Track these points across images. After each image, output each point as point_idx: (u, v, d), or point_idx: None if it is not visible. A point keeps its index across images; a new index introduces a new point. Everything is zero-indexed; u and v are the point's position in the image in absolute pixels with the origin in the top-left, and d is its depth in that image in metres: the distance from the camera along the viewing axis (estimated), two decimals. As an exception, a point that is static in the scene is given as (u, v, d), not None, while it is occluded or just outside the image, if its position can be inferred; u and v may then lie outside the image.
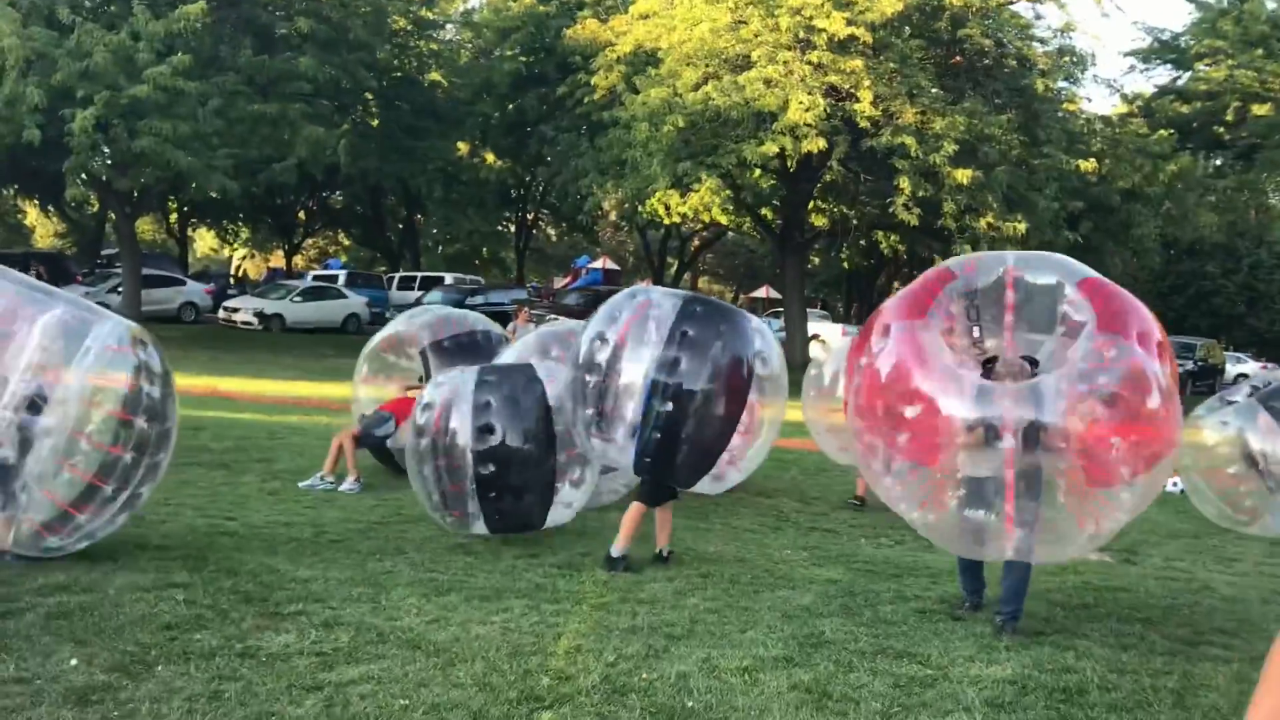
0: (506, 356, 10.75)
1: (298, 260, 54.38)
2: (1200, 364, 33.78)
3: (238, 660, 4.94)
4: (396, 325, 11.53)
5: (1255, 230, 43.26)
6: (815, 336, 32.71)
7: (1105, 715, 4.96)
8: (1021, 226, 25.78)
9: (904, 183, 24.93)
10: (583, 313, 29.07)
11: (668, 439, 6.86)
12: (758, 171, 28.54)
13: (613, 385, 6.92)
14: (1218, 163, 38.30)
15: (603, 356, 6.96)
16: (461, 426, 7.38)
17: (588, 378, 7.00)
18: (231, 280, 48.85)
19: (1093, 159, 28.20)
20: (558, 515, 7.84)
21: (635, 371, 6.88)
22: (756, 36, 25.69)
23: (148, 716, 4.28)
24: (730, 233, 42.19)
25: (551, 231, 56.54)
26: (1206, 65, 35.66)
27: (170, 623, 5.41)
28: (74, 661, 4.78)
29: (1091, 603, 7.16)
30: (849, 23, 24.66)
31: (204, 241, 64.23)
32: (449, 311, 12.47)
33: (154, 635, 5.20)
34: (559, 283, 51.14)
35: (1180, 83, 37.56)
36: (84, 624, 5.28)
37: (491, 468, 7.32)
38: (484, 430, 7.35)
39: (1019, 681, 5.36)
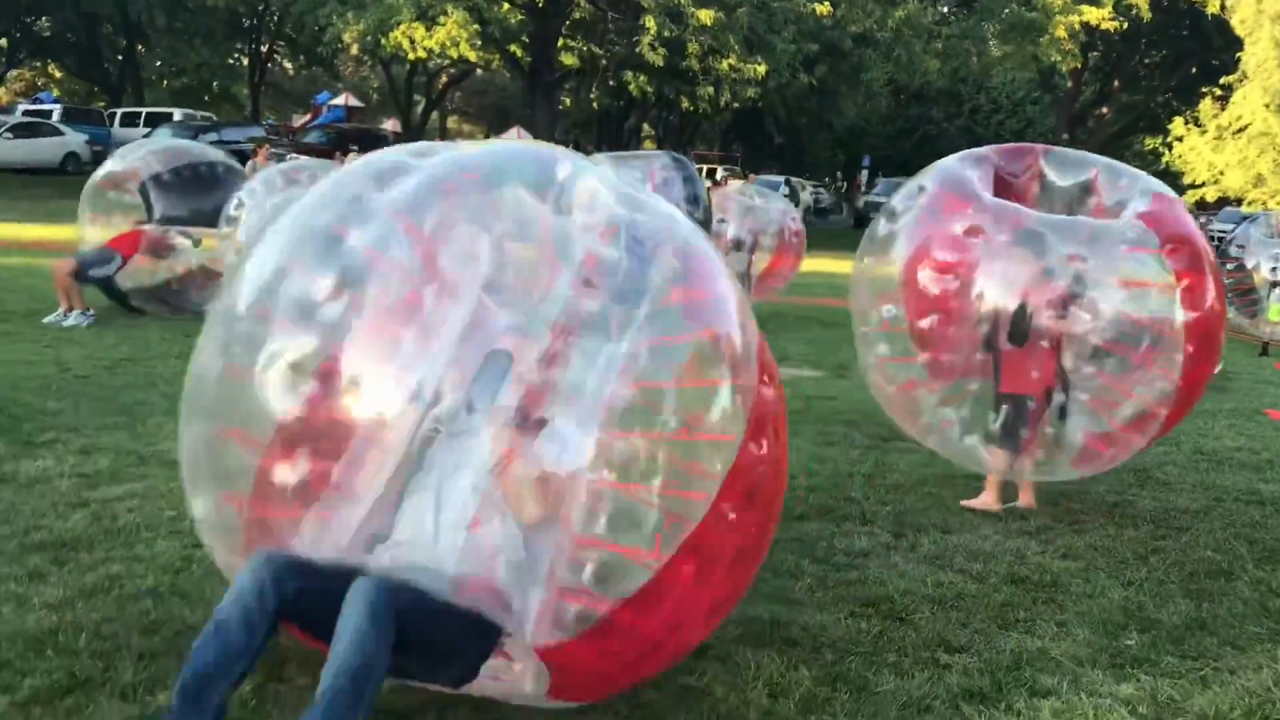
0: (246, 193, 10.60)
1: (1, 94, 49.59)
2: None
3: (-7, 483, 5.03)
4: (114, 162, 11.10)
5: (976, 76, 46.08)
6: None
7: (807, 495, 5.76)
8: (762, 69, 26.68)
9: (650, 22, 25.25)
10: (325, 151, 28.16)
11: None
12: (506, 5, 28.12)
13: None
14: (944, 9, 40.37)
15: None
16: None
17: None
18: (-75, 114, 44.19)
19: (827, 3, 29.26)
20: None
21: None
22: None
23: (-90, 536, 4.37)
24: (479, 70, 41.44)
25: (289, 65, 53.75)
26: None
27: (-83, 454, 5.39)
28: None
29: (802, 408, 8.06)
30: None
31: (-112, 70, 57.47)
32: (171, 143, 12.02)
33: (-98, 466, 5.19)
34: (299, 120, 48.93)
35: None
36: None
37: None
38: None
39: (738, 473, 6.11)
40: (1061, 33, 34.14)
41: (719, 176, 35.61)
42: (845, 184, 45.85)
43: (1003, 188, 5.83)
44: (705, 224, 12.72)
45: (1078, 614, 4.37)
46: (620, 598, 3.00)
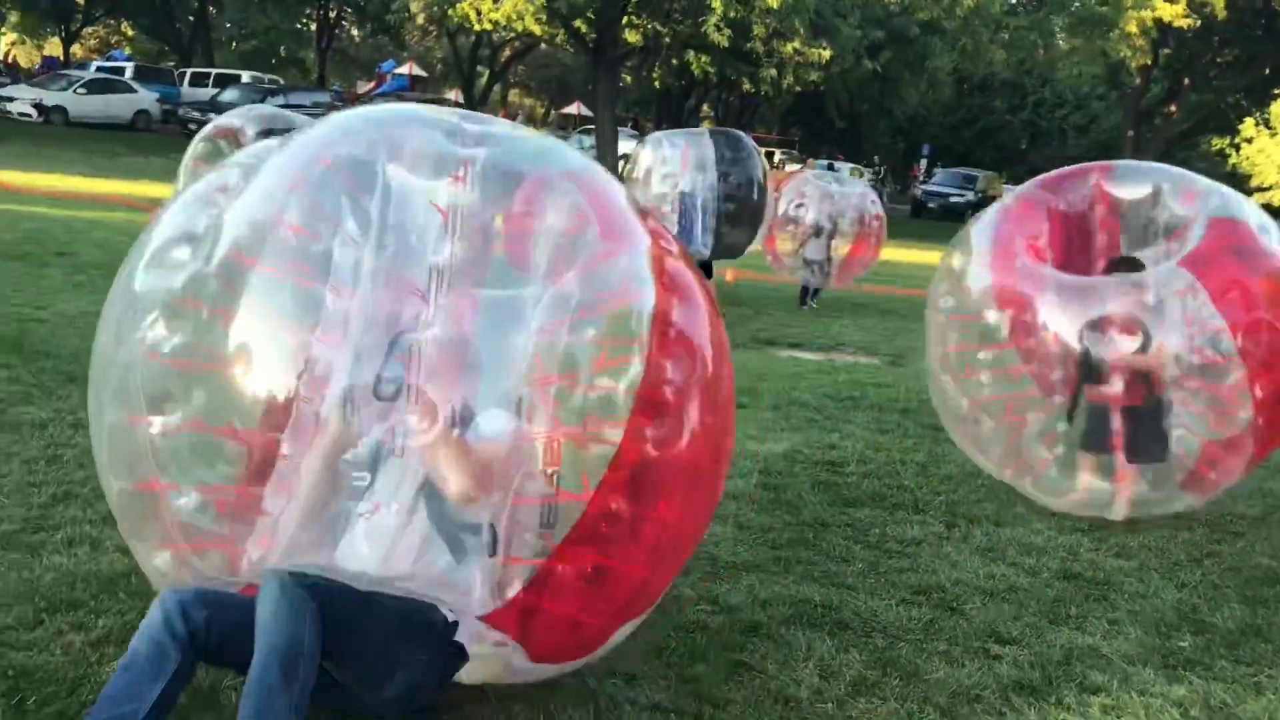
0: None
1: (76, 50, 50.34)
2: (980, 195, 35.83)
3: (70, 430, 5.17)
4: (230, 118, 11.31)
5: (1041, 69, 45.41)
6: (625, 157, 33.00)
7: (860, 481, 5.77)
8: (826, 53, 26.48)
9: (716, 2, 25.12)
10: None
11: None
12: (573, -20, 28.12)
13: None
14: (1012, 1, 39.79)
15: None
16: None
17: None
18: (1, 68, 45.03)
19: (895, -11, 28.96)
20: None
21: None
22: None
23: (-11, 476, 4.52)
24: (543, 44, 41.45)
25: (355, 32, 54.10)
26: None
27: (-4, 398, 5.56)
28: (-96, 429, 4.92)
29: (858, 396, 8.06)
30: None
31: (-35, 23, 58.54)
32: (279, 111, 12.26)
33: (-19, 408, 5.36)
34: (363, 87, 49.30)
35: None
36: (-94, 397, 5.38)
37: None
38: None
39: (790, 456, 6.14)
40: (1133, 28, 33.51)
41: (776, 160, 35.51)
42: (882, 170, 45.36)
43: (1063, 223, 5.73)
44: (759, 207, 12.57)
45: (1130, 613, 4.36)
46: (555, 543, 2.97)
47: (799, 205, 13.62)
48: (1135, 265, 5.48)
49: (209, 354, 2.94)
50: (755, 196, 12.35)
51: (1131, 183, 5.82)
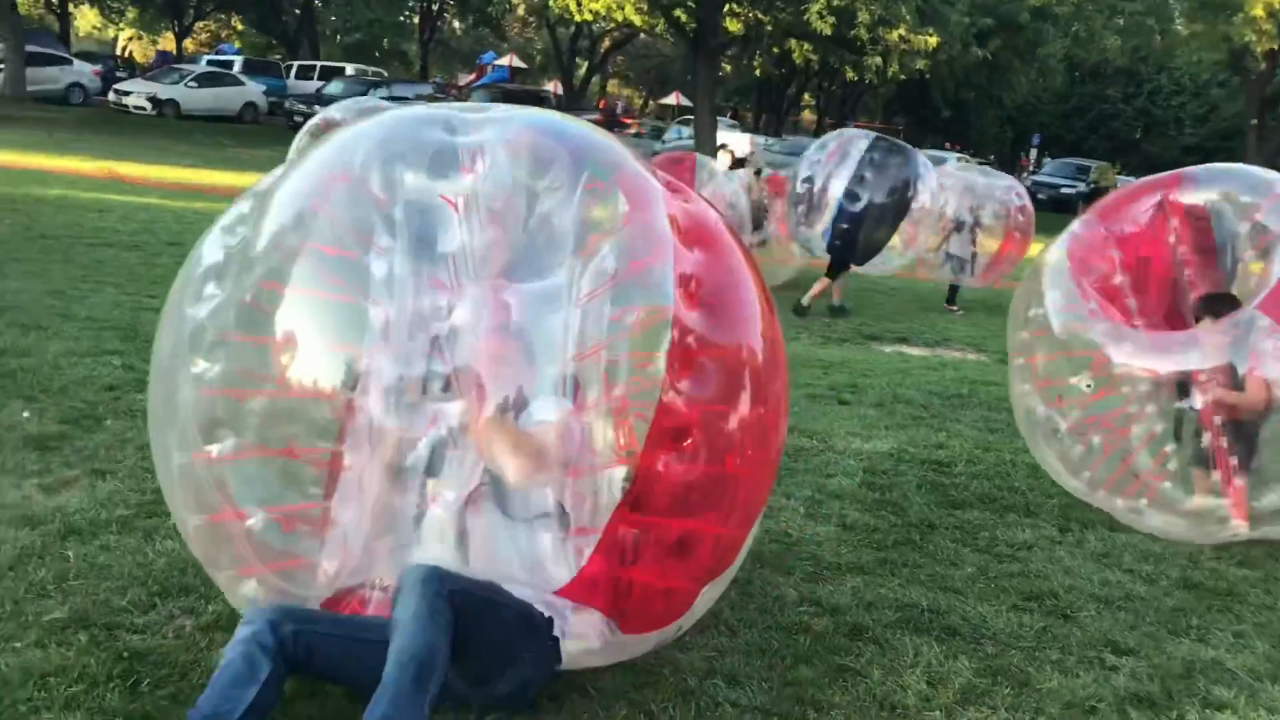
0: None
1: (188, 44, 51.87)
2: (1092, 186, 34.83)
3: (182, 417, 5.28)
4: (332, 111, 11.45)
5: (1158, 57, 43.94)
6: (723, 146, 32.82)
7: (969, 482, 5.62)
8: (933, 40, 25.97)
9: (820, -10, 24.79)
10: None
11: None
12: (673, -29, 28.01)
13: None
14: (1127, -15, 38.57)
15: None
16: None
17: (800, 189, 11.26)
18: (118, 62, 46.58)
19: (1005, -26, 28.27)
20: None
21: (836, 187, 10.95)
22: None
23: (105, 460, 4.63)
24: (642, 34, 41.45)
25: (457, 25, 54.73)
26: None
27: (111, 384, 5.70)
28: (26, 414, 5.07)
29: (966, 394, 7.86)
30: None
31: (85, 19, 60.57)
32: (380, 104, 12.29)
33: (98, 394, 5.51)
34: (464, 79, 49.89)
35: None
36: (28, 383, 5.54)
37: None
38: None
39: (895, 454, 6.01)
40: (1259, 11, 32.15)
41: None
42: (990, 160, 44.32)
43: (1136, 248, 5.47)
44: (902, 209, 11.60)
45: (1256, 625, 4.16)
46: (628, 512, 2.96)
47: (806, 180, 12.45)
48: (1228, 301, 5.14)
49: (259, 379, 2.99)
50: (903, 197, 11.40)
51: (1207, 189, 5.51)
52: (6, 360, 5.90)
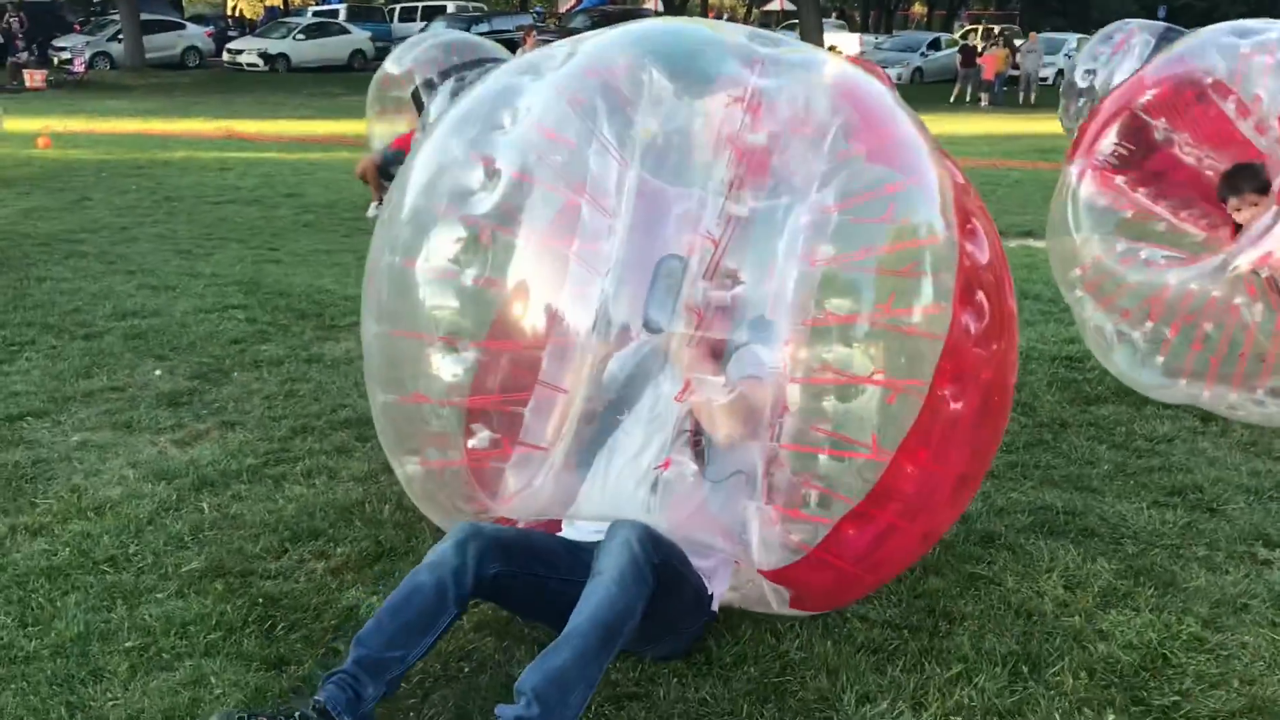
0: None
1: (294, -4, 52.61)
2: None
3: (305, 365, 5.41)
4: (391, 63, 10.91)
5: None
6: (832, 48, 31.94)
7: (1102, 376, 5.38)
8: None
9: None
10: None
11: None
12: None
13: None
14: None
15: None
16: None
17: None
18: (229, 21, 47.57)
19: None
20: None
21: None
22: None
23: (234, 412, 4.77)
24: (740, -59, 40.40)
25: (554, -49, 54.20)
26: None
27: (236, 338, 5.86)
28: (158, 372, 5.26)
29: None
30: None
31: (195, -18, 61.96)
32: (450, 39, 11.75)
33: (225, 349, 5.67)
34: (564, 5, 49.47)
35: None
36: (159, 342, 5.74)
37: None
38: None
39: (1024, 352, 5.78)
40: None
41: (996, 35, 33.54)
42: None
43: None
44: None
45: None
46: (844, 502, 2.75)
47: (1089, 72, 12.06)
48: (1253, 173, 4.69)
49: (483, 275, 2.88)
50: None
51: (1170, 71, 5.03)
52: (138, 321, 6.11)
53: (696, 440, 2.82)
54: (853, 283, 2.71)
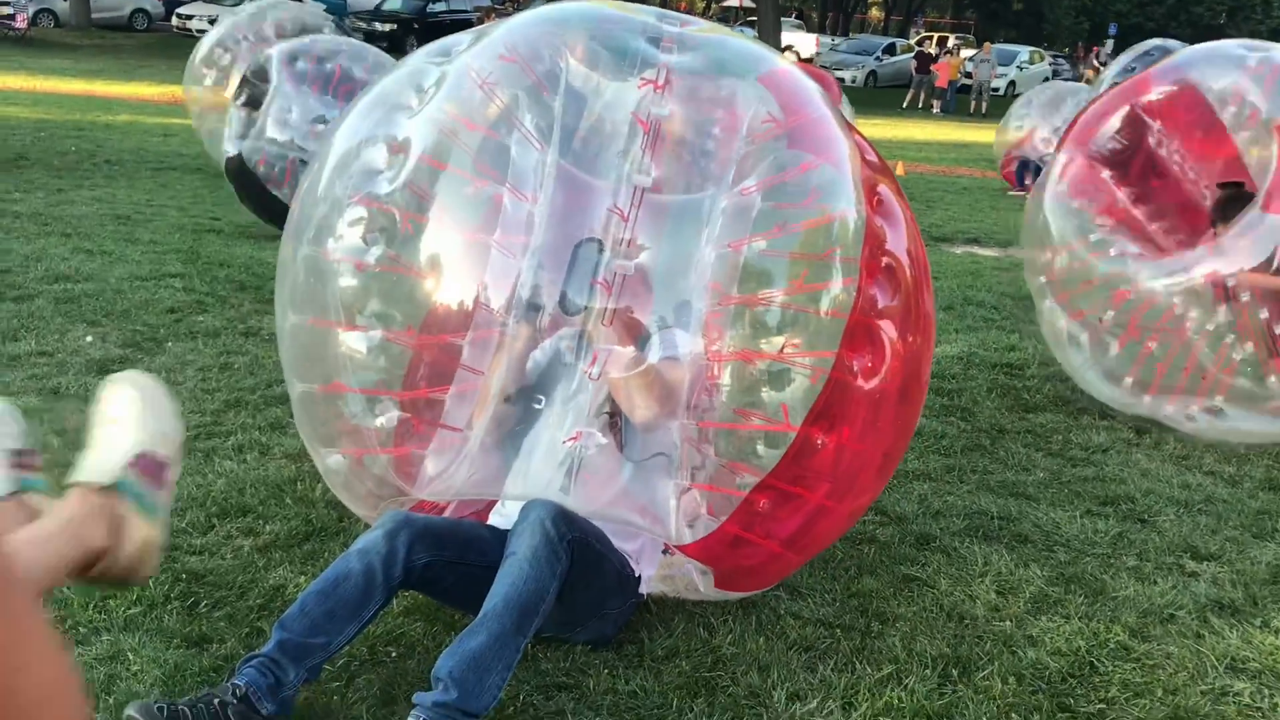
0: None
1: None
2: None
3: (242, 338, 5.30)
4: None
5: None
6: (789, 48, 32.01)
7: (1041, 385, 5.45)
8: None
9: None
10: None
11: None
12: None
13: None
14: None
15: None
16: None
17: None
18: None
19: None
20: None
21: None
22: None
23: (167, 383, 4.63)
24: (702, -65, 40.41)
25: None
26: None
27: (173, 307, 5.73)
28: (89, 339, 5.12)
29: (1039, 293, 7.61)
30: None
31: (147, -56, 60.66)
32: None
33: (160, 317, 5.54)
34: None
35: None
36: (91, 308, 5.58)
37: None
38: None
39: (965, 358, 5.84)
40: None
41: (950, 45, 33.89)
42: (1068, 52, 42.73)
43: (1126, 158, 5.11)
44: None
45: (1346, 528, 3.99)
46: (759, 475, 2.77)
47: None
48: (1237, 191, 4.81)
49: (393, 258, 2.88)
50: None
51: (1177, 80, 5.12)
52: (71, 285, 5.95)
53: (614, 422, 2.85)
54: (767, 263, 2.80)
